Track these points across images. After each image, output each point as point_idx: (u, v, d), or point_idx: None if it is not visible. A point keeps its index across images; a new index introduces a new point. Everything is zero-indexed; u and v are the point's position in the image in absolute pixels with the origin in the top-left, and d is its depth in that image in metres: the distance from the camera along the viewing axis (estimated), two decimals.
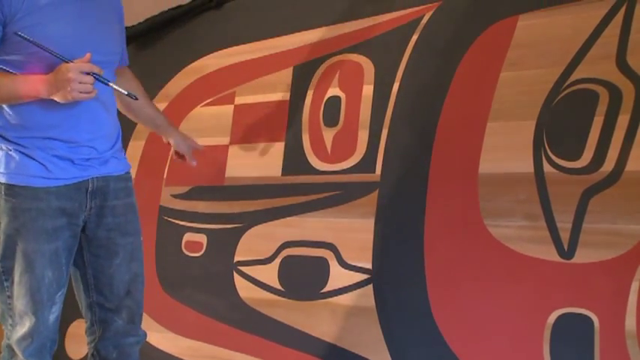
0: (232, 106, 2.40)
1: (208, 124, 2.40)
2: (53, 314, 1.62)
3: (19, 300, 1.59)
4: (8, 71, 1.53)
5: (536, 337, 1.68)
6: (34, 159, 1.57)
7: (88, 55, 1.48)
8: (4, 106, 1.57)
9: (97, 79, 1.48)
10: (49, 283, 1.59)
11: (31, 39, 1.47)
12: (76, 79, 1.44)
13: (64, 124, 1.57)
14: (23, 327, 1.59)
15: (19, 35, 1.47)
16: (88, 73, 1.46)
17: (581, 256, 1.66)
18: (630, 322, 1.58)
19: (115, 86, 1.51)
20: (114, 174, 1.69)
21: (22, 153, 1.57)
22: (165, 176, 2.51)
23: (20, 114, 1.57)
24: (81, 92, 1.45)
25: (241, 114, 2.37)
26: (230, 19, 2.49)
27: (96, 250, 1.69)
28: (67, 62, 1.47)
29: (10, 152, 1.59)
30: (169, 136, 2.00)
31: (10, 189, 1.58)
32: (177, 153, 2.04)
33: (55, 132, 1.57)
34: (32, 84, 1.49)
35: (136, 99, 1.61)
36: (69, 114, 1.56)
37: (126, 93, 1.53)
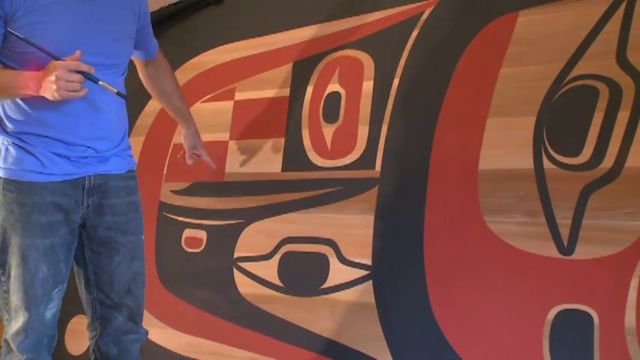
0: (232, 102, 2.40)
1: (208, 120, 2.40)
2: (50, 310, 1.61)
3: (14, 295, 1.58)
4: (10, 66, 1.52)
5: (535, 333, 1.68)
6: (31, 154, 1.57)
7: (77, 53, 1.44)
8: (7, 101, 1.57)
9: (86, 77, 1.45)
10: (43, 278, 1.57)
11: (20, 35, 1.44)
12: (62, 77, 1.41)
13: (61, 124, 1.55)
14: (18, 322, 1.59)
15: (9, 31, 1.46)
16: (78, 72, 1.43)
17: (581, 253, 1.66)
18: (630, 319, 1.58)
19: (104, 85, 1.47)
20: (114, 172, 1.67)
21: (21, 147, 1.57)
22: (165, 172, 2.51)
23: (20, 110, 1.56)
24: (68, 91, 1.42)
25: (241, 110, 2.37)
26: (230, 15, 2.49)
27: (97, 248, 1.69)
28: (57, 60, 1.44)
29: (9, 146, 1.59)
30: (184, 126, 2.05)
31: (8, 183, 1.58)
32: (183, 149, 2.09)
33: (52, 131, 1.55)
34: (24, 79, 1.47)
35: (125, 99, 1.58)
36: (65, 114, 1.55)
37: (115, 92, 1.50)
